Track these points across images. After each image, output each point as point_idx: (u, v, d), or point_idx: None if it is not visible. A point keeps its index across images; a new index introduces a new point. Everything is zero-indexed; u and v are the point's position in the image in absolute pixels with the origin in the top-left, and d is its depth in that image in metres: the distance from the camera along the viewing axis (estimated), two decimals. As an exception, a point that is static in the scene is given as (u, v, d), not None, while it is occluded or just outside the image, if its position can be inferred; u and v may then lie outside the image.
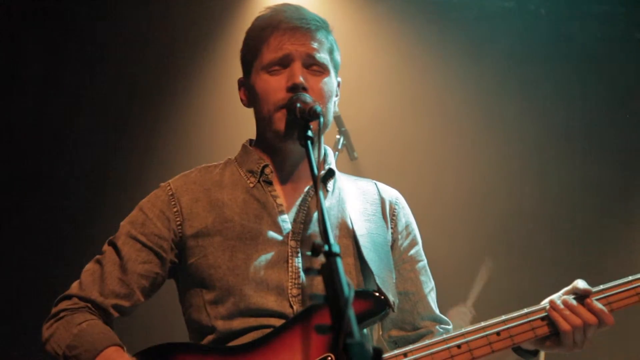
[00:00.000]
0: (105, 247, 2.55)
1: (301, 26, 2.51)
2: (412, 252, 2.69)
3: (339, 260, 1.75)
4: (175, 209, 2.53)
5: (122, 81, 4.85)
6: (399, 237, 2.67)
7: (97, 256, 2.55)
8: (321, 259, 2.40)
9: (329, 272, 1.72)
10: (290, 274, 2.45)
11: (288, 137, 2.47)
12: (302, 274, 2.46)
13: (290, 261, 2.46)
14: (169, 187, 2.58)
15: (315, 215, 2.55)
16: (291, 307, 2.42)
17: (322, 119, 2.30)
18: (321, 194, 1.99)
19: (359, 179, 2.77)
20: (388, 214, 2.67)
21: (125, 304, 2.47)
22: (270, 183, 2.57)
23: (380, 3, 5.00)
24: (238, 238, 2.47)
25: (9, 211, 4.70)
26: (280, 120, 2.47)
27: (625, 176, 4.74)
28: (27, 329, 4.41)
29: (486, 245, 4.67)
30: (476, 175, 4.78)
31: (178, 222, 2.52)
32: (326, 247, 1.77)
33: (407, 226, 2.70)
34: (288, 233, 2.50)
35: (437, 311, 2.69)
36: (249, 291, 2.41)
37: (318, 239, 2.45)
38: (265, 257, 2.45)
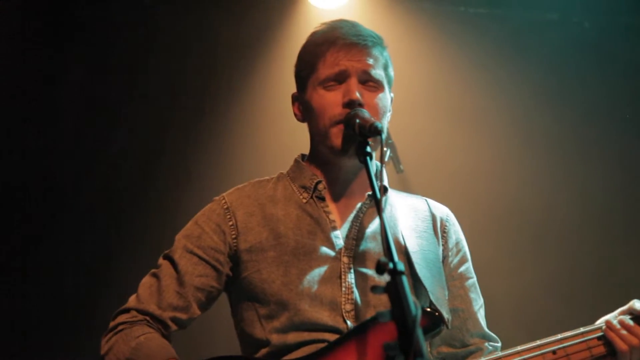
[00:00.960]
0: (161, 260, 2.57)
1: (358, 42, 2.52)
2: (462, 269, 2.69)
3: (404, 279, 1.76)
4: (230, 223, 2.55)
5: (166, 89, 4.88)
6: (450, 254, 2.68)
7: (153, 270, 2.57)
8: (379, 277, 2.44)
9: (395, 291, 1.72)
10: (343, 289, 2.46)
11: (344, 152, 2.48)
12: (355, 289, 2.46)
13: (343, 277, 2.47)
14: (223, 201, 2.60)
15: (368, 231, 2.56)
16: (345, 322, 2.42)
17: (383, 136, 2.29)
18: (384, 214, 1.98)
19: (409, 196, 2.78)
20: (439, 231, 2.68)
21: (183, 317, 2.49)
22: (322, 199, 2.59)
23: (421, 16, 4.99)
24: (292, 253, 2.48)
25: (48, 223, 4.73)
26: (336, 136, 2.48)
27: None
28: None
29: (530, 256, 4.65)
30: (518, 184, 4.76)
31: (233, 236, 2.54)
32: (391, 265, 1.77)
33: (457, 243, 2.71)
34: (341, 249, 2.51)
35: (486, 328, 2.68)
36: (303, 306, 2.42)
37: (376, 256, 2.50)
38: (318, 273, 2.47)
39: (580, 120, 4.79)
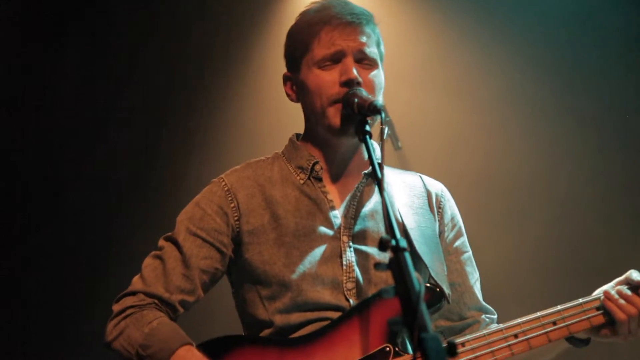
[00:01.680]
0: (163, 242, 2.56)
1: (352, 21, 2.52)
2: (457, 243, 2.72)
3: (407, 255, 1.77)
4: (232, 205, 2.55)
5: (162, 74, 4.88)
6: (445, 229, 2.71)
7: (155, 252, 2.56)
8: (379, 254, 2.48)
9: (398, 267, 1.74)
10: (344, 268, 2.49)
11: (343, 132, 2.49)
12: (356, 267, 2.50)
13: (343, 256, 2.50)
14: (223, 183, 2.60)
15: (365, 210, 2.58)
16: (347, 300, 2.46)
17: (383, 114, 2.30)
18: (385, 192, 1.99)
19: (404, 172, 2.79)
20: (435, 207, 2.70)
21: (190, 299, 2.50)
22: (320, 179, 2.60)
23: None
24: (292, 235, 2.50)
25: (48, 204, 4.74)
26: (334, 115, 2.48)
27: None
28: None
29: (532, 231, 4.67)
30: (518, 159, 4.77)
31: (236, 218, 2.54)
32: (393, 242, 1.79)
33: (452, 218, 2.74)
34: (339, 229, 2.53)
35: (482, 301, 2.72)
36: (305, 286, 2.45)
37: (374, 234, 2.53)
38: (319, 253, 2.49)
39: (576, 91, 4.79)
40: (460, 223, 2.76)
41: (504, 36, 4.83)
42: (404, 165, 4.54)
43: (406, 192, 2.68)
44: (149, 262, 2.54)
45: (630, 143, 4.66)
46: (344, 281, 2.47)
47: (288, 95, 2.69)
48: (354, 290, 2.47)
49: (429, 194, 2.71)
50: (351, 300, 2.45)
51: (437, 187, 2.76)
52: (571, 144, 4.72)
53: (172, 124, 4.87)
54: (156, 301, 2.45)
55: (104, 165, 4.78)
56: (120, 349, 2.40)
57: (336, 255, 2.50)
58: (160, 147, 4.85)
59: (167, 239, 2.56)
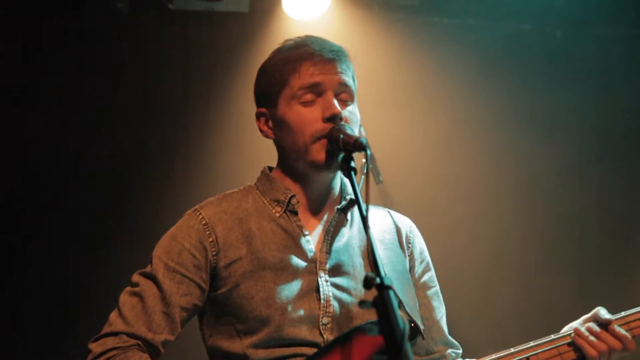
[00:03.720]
0: (139, 278, 2.51)
1: (331, 57, 2.54)
2: (425, 278, 2.75)
3: (391, 293, 1.79)
4: (210, 239, 2.52)
5: (140, 103, 4.89)
6: (415, 264, 2.74)
7: (132, 288, 2.50)
8: (355, 289, 2.51)
9: (383, 305, 1.75)
10: (321, 302, 2.48)
11: (327, 167, 2.50)
12: (332, 302, 2.49)
13: (320, 290, 2.49)
14: (201, 217, 2.56)
15: (340, 245, 2.59)
16: (321, 335, 2.46)
17: (368, 151, 2.31)
18: (369, 230, 1.99)
19: (373, 207, 2.78)
20: (404, 242, 2.73)
21: (171, 338, 2.46)
22: (295, 213, 2.59)
23: (396, 27, 5.01)
24: (270, 269, 2.48)
25: (26, 226, 4.72)
26: (319, 151, 2.48)
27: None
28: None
29: (508, 267, 4.73)
30: (496, 190, 4.85)
31: (214, 252, 2.51)
32: (378, 280, 1.81)
33: (421, 253, 2.77)
34: (315, 263, 2.53)
35: (448, 335, 2.75)
36: (282, 321, 2.43)
37: (349, 269, 2.54)
38: (296, 287, 2.48)
39: (552, 127, 4.89)
40: (428, 258, 2.78)
41: (484, 71, 4.92)
42: (385, 199, 4.56)
43: (377, 227, 2.69)
44: (127, 300, 2.47)
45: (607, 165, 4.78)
46: (320, 316, 2.46)
47: (262, 131, 2.66)
48: (329, 325, 2.46)
49: (398, 230, 2.73)
50: (325, 336, 2.45)
51: (405, 222, 2.78)
52: (551, 180, 4.81)
53: (156, 148, 4.89)
54: (139, 342, 2.40)
55: (91, 183, 4.79)
56: None
57: (313, 290, 2.49)
58: (145, 171, 4.85)
59: (145, 276, 2.50)
